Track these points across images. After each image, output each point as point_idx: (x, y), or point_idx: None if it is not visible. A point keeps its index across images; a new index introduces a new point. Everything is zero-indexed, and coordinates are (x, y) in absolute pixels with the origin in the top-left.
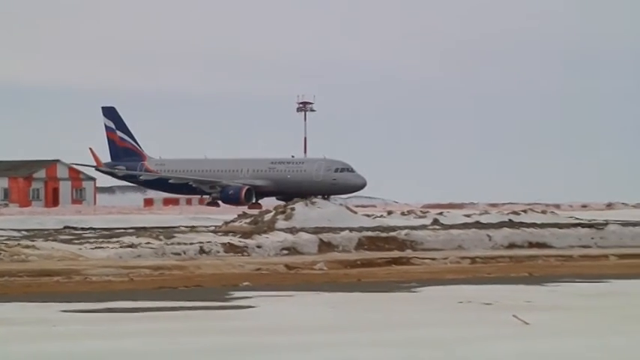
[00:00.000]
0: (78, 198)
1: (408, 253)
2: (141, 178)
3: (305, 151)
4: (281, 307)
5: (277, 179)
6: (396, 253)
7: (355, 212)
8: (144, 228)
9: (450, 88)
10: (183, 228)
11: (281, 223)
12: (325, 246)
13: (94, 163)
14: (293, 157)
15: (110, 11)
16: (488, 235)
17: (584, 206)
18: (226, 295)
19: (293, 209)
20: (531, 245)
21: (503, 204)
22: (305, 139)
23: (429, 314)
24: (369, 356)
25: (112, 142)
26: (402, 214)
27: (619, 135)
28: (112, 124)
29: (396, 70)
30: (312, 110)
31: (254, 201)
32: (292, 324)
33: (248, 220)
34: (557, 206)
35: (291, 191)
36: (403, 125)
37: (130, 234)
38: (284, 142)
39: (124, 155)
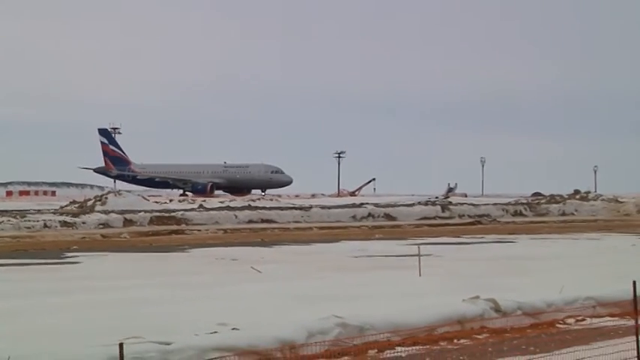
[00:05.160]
0: None
1: (183, 227)
2: (137, 177)
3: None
4: (99, 262)
5: (229, 178)
6: (175, 227)
7: (148, 200)
8: (6, 211)
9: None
10: (32, 211)
11: (99, 207)
12: (128, 222)
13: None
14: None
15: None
16: (235, 215)
17: (296, 196)
18: (61, 255)
19: (107, 198)
20: (263, 221)
21: (245, 194)
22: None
23: (197, 266)
24: (155, 294)
25: (106, 153)
26: (179, 201)
27: (323, 147)
28: (105, 140)
29: (176, 106)
30: (119, 133)
31: (214, 193)
32: (106, 273)
33: (76, 205)
34: (280, 196)
35: (239, 187)
36: (182, 141)
37: None
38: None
39: (116, 161)
